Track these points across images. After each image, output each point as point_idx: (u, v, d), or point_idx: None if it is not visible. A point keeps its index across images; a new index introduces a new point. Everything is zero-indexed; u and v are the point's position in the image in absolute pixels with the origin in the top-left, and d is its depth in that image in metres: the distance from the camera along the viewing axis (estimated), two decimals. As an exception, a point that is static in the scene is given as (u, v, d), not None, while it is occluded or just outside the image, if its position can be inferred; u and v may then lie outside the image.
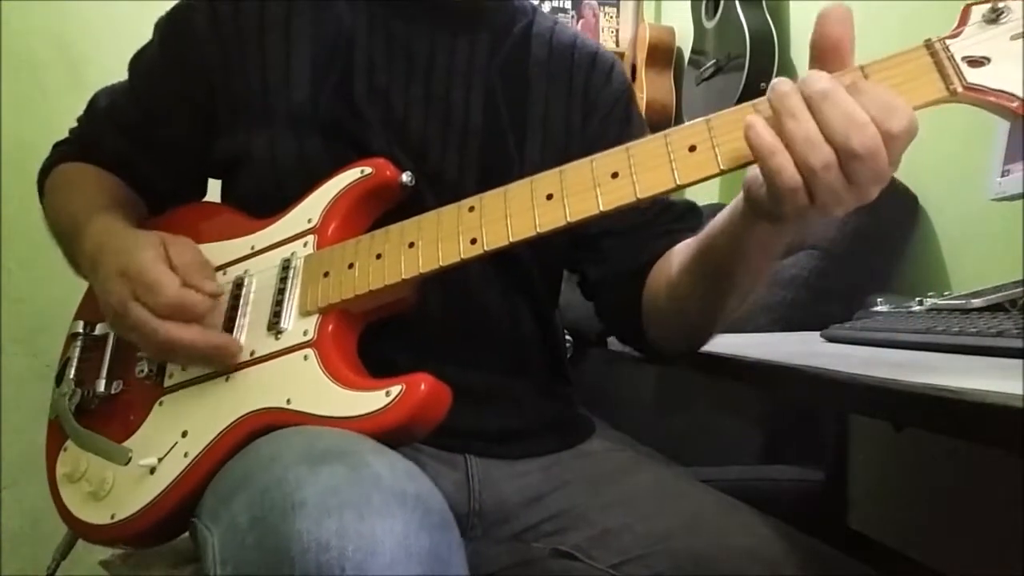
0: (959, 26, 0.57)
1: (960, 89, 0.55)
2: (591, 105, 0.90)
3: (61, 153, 0.94)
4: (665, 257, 0.84)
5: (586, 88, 0.91)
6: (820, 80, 0.55)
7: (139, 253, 0.73)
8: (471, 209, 0.67)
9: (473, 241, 0.66)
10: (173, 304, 0.71)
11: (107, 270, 0.74)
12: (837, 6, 0.57)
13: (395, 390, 0.65)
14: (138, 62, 0.91)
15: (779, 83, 0.57)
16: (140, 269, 0.72)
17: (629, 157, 0.62)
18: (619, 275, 0.87)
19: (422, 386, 0.65)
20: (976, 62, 0.55)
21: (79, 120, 0.96)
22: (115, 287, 0.72)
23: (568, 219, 0.63)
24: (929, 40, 0.57)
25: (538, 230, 0.64)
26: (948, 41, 0.56)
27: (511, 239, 0.65)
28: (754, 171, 0.60)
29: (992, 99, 0.55)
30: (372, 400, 0.65)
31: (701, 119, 0.60)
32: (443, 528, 0.53)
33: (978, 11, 0.57)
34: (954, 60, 0.56)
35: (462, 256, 0.67)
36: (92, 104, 0.95)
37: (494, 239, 0.66)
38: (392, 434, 0.63)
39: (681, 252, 0.79)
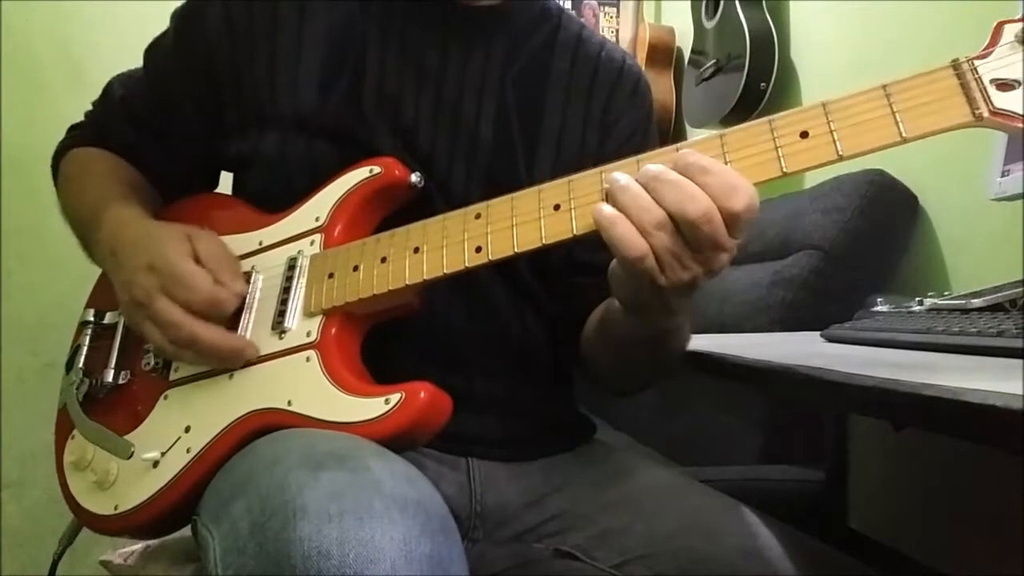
0: (989, 45, 0.54)
1: (986, 114, 0.53)
2: (610, 126, 0.88)
3: (76, 137, 0.94)
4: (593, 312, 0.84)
5: (606, 107, 0.88)
6: (653, 167, 0.59)
7: (166, 247, 0.72)
8: (477, 216, 0.67)
9: (478, 249, 0.66)
10: (207, 302, 0.71)
11: (132, 262, 0.73)
12: None
13: (394, 398, 0.65)
14: (153, 51, 0.91)
15: (615, 174, 0.60)
16: (170, 264, 0.71)
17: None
18: (576, 316, 0.86)
19: (421, 394, 0.65)
20: (1005, 85, 0.53)
21: (94, 104, 0.96)
22: (142, 280, 0.71)
23: (575, 232, 0.62)
24: (956, 60, 0.55)
25: (544, 241, 0.63)
26: (977, 62, 0.54)
27: (516, 249, 0.64)
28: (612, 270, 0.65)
29: (1020, 125, 0.53)
30: (371, 407, 0.65)
31: (715, 135, 0.59)
32: (444, 534, 0.53)
33: (1011, 30, 0.54)
34: (982, 83, 0.53)
35: (467, 264, 0.66)
36: (107, 91, 0.94)
37: (499, 248, 0.65)
38: (391, 441, 0.63)
39: (595, 314, 0.82)
